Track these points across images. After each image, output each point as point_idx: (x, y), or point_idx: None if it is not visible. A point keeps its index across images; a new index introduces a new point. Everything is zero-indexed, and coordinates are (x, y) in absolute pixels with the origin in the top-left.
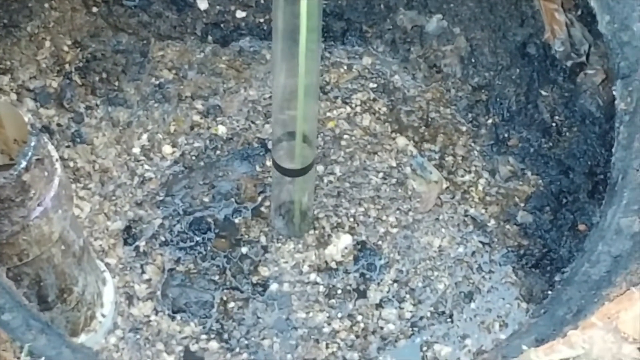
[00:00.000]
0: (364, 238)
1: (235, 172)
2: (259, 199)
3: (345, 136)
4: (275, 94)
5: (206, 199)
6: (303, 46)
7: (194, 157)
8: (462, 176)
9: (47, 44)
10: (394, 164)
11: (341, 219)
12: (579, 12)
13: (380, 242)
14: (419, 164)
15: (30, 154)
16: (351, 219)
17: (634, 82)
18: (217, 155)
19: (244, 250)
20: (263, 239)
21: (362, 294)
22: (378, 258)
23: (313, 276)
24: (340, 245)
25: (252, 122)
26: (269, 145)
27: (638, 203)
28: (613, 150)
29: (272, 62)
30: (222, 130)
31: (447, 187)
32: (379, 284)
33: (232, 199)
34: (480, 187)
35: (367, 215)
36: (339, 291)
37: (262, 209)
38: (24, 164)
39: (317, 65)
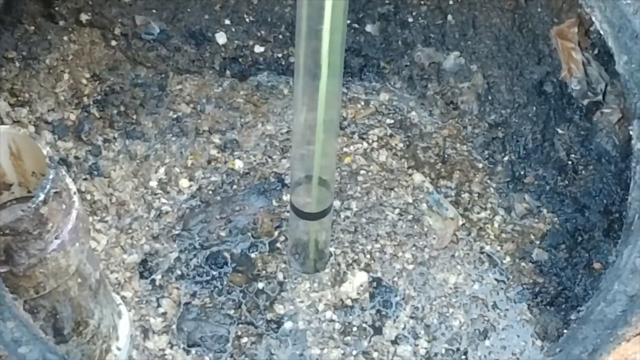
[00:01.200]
0: (379, 275)
1: (252, 207)
2: (276, 233)
3: (362, 172)
4: (295, 131)
5: (223, 233)
6: (324, 84)
7: (210, 192)
8: (478, 213)
9: (66, 76)
10: (410, 200)
11: (357, 255)
12: (596, 51)
13: (396, 279)
14: (435, 200)
15: (48, 186)
16: (367, 256)
17: None
18: (234, 190)
19: (260, 285)
20: (280, 275)
21: (378, 331)
22: (394, 295)
23: (329, 314)
24: (356, 282)
25: (269, 157)
26: (286, 180)
27: None
28: (629, 190)
29: (294, 99)
30: (239, 164)
31: (463, 224)
32: (394, 320)
33: (249, 234)
34: (496, 225)
35: (383, 252)
36: (355, 328)
37: (279, 244)
38: (42, 196)
39: (337, 103)
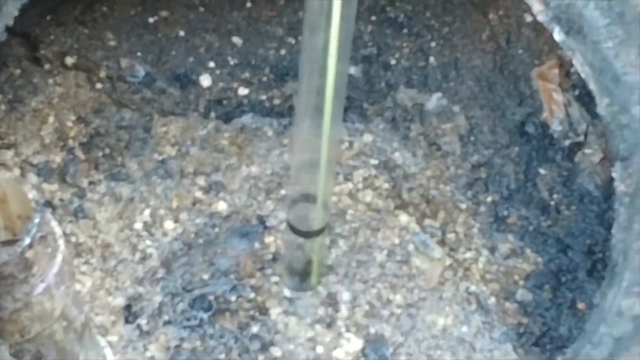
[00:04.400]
0: (371, 330)
1: (234, 249)
2: (258, 275)
3: (350, 211)
4: (295, 167)
5: (206, 276)
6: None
7: (192, 234)
8: (464, 253)
9: (51, 119)
10: (397, 242)
11: (356, 300)
12: (577, 92)
13: (384, 325)
14: (421, 241)
15: (34, 230)
16: (363, 302)
17: (633, 164)
18: (216, 233)
19: (254, 329)
20: (272, 314)
21: None
22: (386, 348)
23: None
24: (351, 348)
25: (254, 199)
26: (268, 223)
27: (639, 285)
28: (613, 231)
29: (295, 133)
30: (222, 206)
31: (450, 265)
32: None
33: (232, 276)
34: (480, 265)
35: (379, 297)
36: None
37: (262, 284)
38: (27, 240)
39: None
